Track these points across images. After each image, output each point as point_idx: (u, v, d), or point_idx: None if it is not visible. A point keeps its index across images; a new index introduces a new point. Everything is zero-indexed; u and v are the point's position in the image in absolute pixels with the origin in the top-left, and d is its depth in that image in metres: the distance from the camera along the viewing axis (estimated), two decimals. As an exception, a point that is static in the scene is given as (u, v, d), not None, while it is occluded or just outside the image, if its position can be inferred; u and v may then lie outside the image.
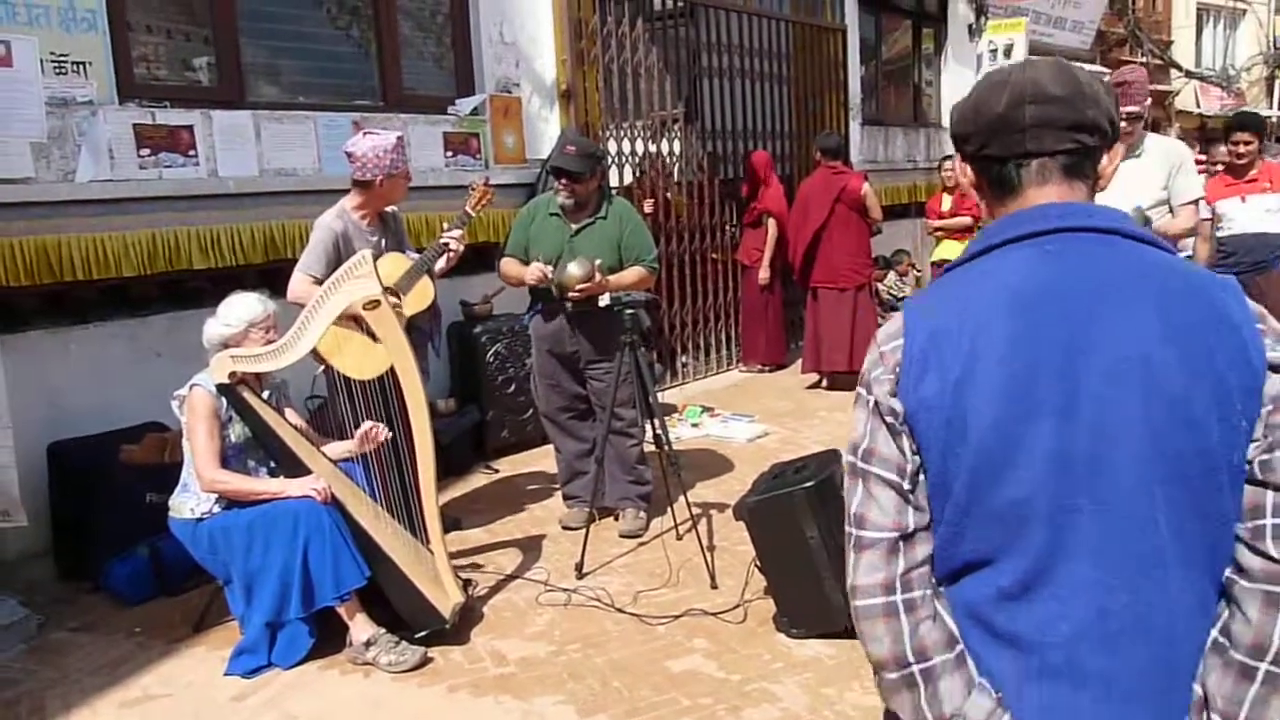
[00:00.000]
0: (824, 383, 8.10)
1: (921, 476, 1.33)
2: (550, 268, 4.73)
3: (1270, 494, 1.23)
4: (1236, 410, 1.23)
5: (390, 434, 4.05)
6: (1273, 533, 1.22)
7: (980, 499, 1.28)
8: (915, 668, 1.30)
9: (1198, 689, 1.25)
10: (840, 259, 7.89)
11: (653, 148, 8.04)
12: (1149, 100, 4.89)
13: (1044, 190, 1.37)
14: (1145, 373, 1.24)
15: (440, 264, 4.62)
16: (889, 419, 1.33)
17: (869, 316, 7.98)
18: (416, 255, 4.66)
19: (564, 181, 4.78)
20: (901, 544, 1.32)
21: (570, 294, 4.64)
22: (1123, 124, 4.58)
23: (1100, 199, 1.45)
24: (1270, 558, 1.22)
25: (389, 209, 4.70)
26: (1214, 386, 1.23)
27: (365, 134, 4.56)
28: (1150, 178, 4.62)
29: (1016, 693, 1.29)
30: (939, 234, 9.05)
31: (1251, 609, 1.22)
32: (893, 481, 1.32)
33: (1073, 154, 1.36)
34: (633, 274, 4.85)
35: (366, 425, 4.04)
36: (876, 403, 1.34)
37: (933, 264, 9.15)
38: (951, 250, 8.70)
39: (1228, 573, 1.26)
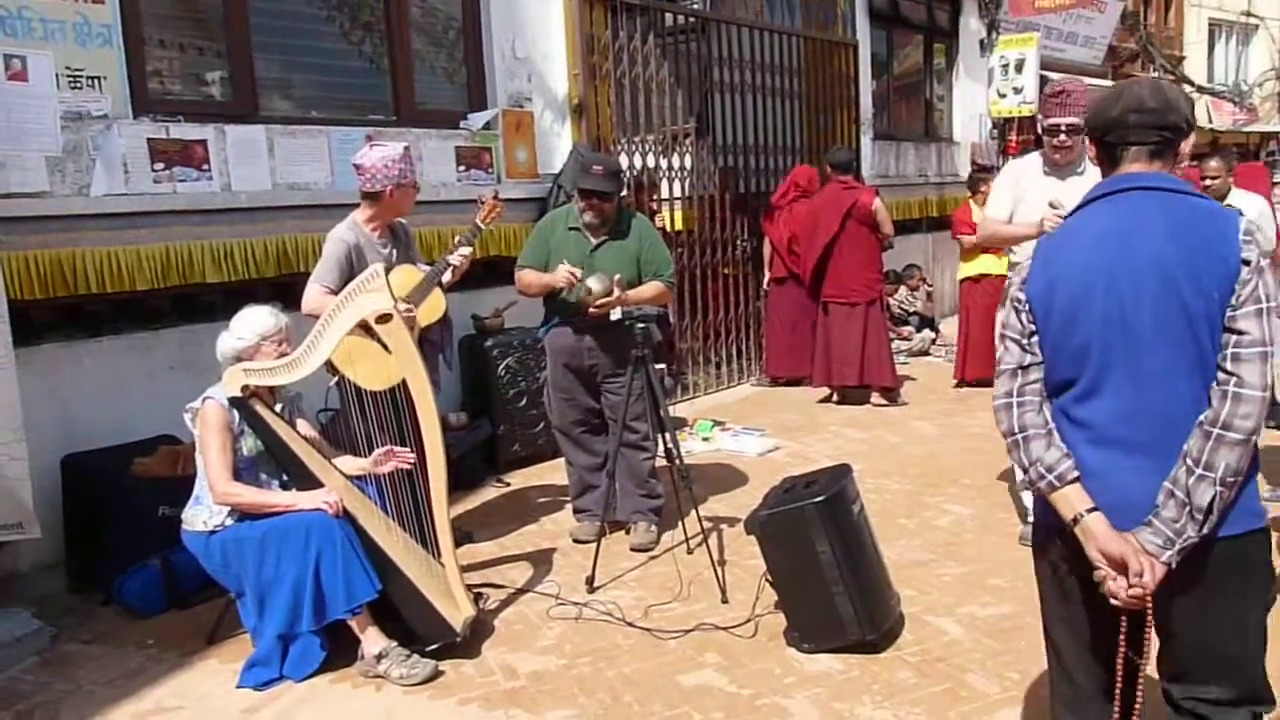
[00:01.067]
0: (834, 397, 8.08)
1: (1034, 336, 2.24)
2: (579, 269, 4.75)
3: (1233, 336, 2.05)
4: (1209, 288, 2.05)
5: (413, 460, 4.04)
6: (1230, 357, 2.05)
7: (1062, 344, 2.20)
8: (1018, 436, 2.23)
9: (1185, 447, 2.08)
10: (851, 274, 7.88)
11: (664, 162, 8.05)
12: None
13: (1133, 165, 2.23)
14: (1155, 268, 2.09)
15: (445, 276, 4.63)
16: (1016, 304, 2.27)
17: (880, 331, 7.95)
18: (427, 268, 4.67)
19: (593, 201, 4.79)
20: (1020, 372, 2.25)
21: (591, 310, 4.65)
22: (1060, 136, 4.41)
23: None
24: (1226, 370, 2.05)
25: (398, 221, 4.71)
26: (1195, 275, 2.06)
27: (373, 146, 4.58)
28: None
29: (1078, 451, 2.19)
30: (976, 249, 8.33)
31: (1215, 399, 2.06)
32: (1016, 339, 2.27)
33: (1158, 144, 2.21)
34: (651, 289, 4.87)
35: (386, 448, 4.04)
36: (1013, 295, 2.29)
37: (966, 280, 8.59)
38: (987, 265, 8.30)
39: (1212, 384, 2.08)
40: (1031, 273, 2.28)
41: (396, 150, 4.50)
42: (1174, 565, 2.07)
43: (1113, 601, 2.11)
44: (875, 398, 7.94)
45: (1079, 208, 2.30)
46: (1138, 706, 2.17)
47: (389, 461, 4.03)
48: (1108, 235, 2.16)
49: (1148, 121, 2.19)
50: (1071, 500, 2.16)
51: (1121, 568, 2.08)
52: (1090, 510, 2.14)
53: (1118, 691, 2.21)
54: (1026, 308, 2.25)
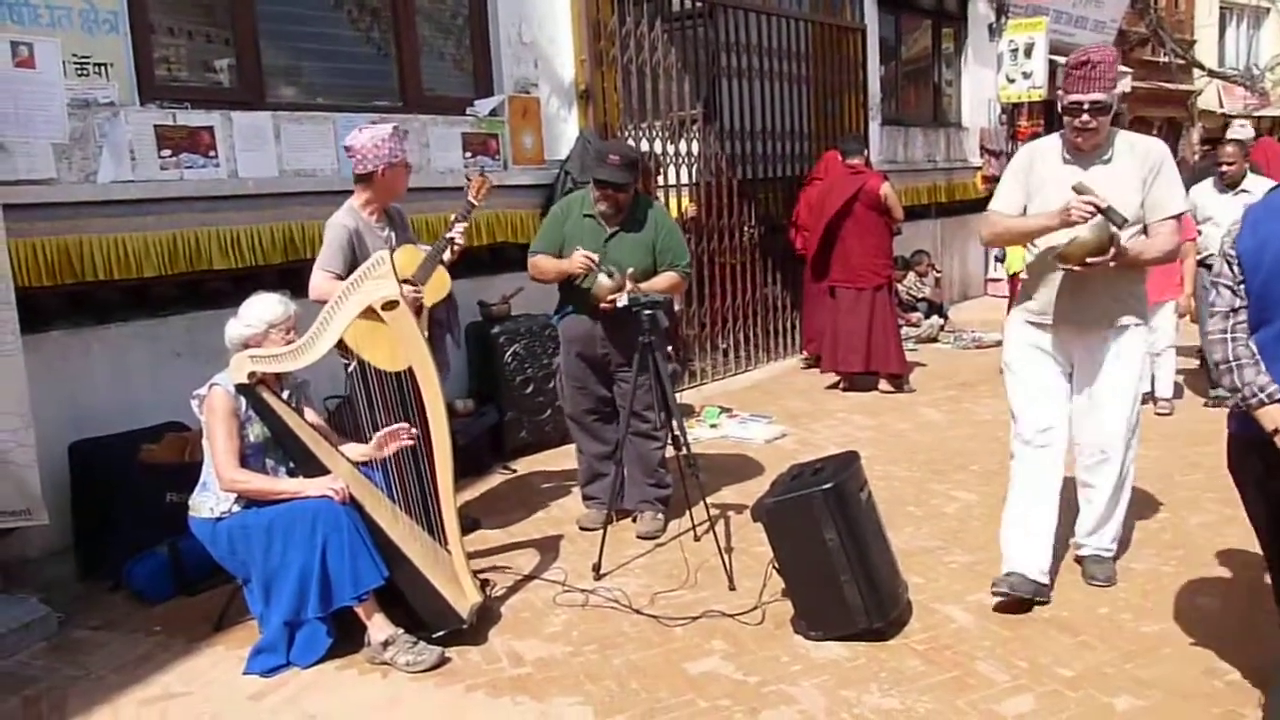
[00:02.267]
0: (842, 384, 8.06)
1: (1242, 285, 2.74)
2: (596, 254, 4.73)
3: None
4: None
5: (415, 437, 4.04)
6: None
7: (1266, 294, 2.69)
8: (1231, 363, 2.74)
9: None
10: (858, 259, 7.85)
11: (671, 148, 8.02)
12: (1118, 88, 3.89)
13: None
14: None
15: (446, 254, 4.62)
16: (1228, 258, 2.78)
17: (888, 317, 7.92)
18: (426, 249, 4.66)
19: (608, 191, 4.77)
20: (1231, 314, 2.77)
21: (602, 305, 4.63)
22: (1083, 116, 3.74)
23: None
24: None
25: (394, 206, 4.70)
26: None
27: (362, 128, 4.57)
28: (1121, 188, 3.76)
29: (1275, 378, 2.66)
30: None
31: None
32: (1229, 286, 2.78)
33: None
34: (665, 280, 4.85)
35: (390, 428, 4.04)
36: (1225, 251, 2.81)
37: (1015, 275, 7.52)
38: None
39: None
40: (1242, 233, 2.77)
41: (385, 130, 4.50)
42: None
43: None
44: (883, 384, 7.93)
45: None
46: None
47: (391, 444, 4.03)
48: None
49: None
50: (1274, 415, 2.66)
51: None
52: None
53: None
54: (1237, 261, 2.76)
